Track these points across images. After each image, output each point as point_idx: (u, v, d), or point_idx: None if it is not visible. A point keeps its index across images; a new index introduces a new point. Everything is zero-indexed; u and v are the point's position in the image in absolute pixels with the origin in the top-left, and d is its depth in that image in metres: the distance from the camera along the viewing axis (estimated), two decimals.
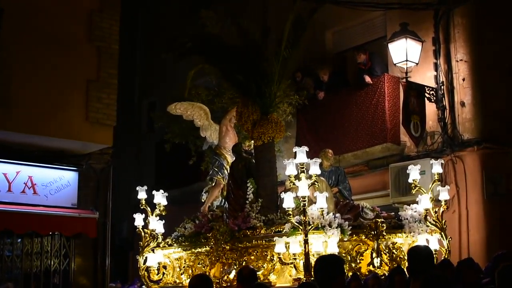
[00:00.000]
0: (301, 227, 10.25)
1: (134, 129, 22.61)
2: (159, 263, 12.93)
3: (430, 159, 12.52)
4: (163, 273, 12.98)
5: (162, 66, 21.51)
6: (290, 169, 10.47)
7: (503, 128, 14.00)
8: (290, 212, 10.37)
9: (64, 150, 14.41)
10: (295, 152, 10.49)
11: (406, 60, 14.27)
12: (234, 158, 13.01)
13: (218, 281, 11.51)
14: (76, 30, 14.20)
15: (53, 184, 14.33)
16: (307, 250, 10.11)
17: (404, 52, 14.25)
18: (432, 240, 11.09)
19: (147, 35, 23.08)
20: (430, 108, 14.46)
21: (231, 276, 11.45)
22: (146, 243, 12.89)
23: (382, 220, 10.89)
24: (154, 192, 12.84)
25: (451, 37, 14.44)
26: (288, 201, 10.38)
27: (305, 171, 10.32)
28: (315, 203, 10.54)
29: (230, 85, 14.06)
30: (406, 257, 10.47)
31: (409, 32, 14.38)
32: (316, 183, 10.49)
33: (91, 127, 14.05)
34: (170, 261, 13.05)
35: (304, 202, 10.23)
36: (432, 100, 14.42)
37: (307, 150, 10.49)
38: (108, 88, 14.39)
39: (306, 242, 10.16)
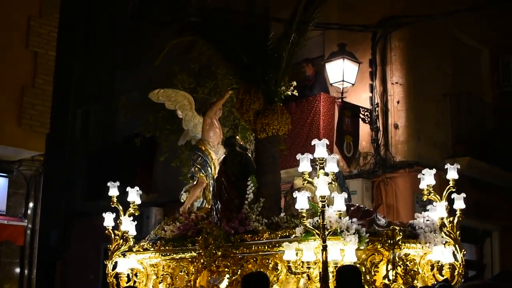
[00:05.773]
0: (316, 232, 9.00)
1: (66, 136, 22.33)
2: (131, 270, 11.47)
3: (364, 179, 12.59)
4: (134, 281, 11.43)
5: (98, 75, 21.37)
6: (304, 166, 9.38)
7: (435, 151, 14.29)
8: (304, 215, 9.07)
9: None
10: (314, 145, 9.27)
11: (343, 81, 14.42)
12: (219, 154, 11.88)
13: None
14: (13, 35, 13.96)
15: None
16: (325, 258, 8.90)
17: (341, 72, 14.41)
18: (446, 253, 10.01)
19: (85, 43, 22.88)
20: (364, 129, 14.63)
21: (222, 286, 10.18)
22: (117, 247, 11.45)
23: (400, 228, 9.77)
24: (128, 188, 11.48)
25: (388, 59, 14.67)
26: (302, 201, 9.07)
27: (321, 168, 9.17)
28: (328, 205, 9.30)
29: (228, 68, 12.39)
30: (420, 271, 9.95)
31: (346, 52, 14.54)
32: (333, 182, 9.40)
33: (23, 133, 13.79)
34: (143, 268, 11.50)
35: (323, 203, 8.97)
36: (367, 121, 14.60)
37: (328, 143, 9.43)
38: (43, 95, 14.16)
39: (324, 248, 8.92)
